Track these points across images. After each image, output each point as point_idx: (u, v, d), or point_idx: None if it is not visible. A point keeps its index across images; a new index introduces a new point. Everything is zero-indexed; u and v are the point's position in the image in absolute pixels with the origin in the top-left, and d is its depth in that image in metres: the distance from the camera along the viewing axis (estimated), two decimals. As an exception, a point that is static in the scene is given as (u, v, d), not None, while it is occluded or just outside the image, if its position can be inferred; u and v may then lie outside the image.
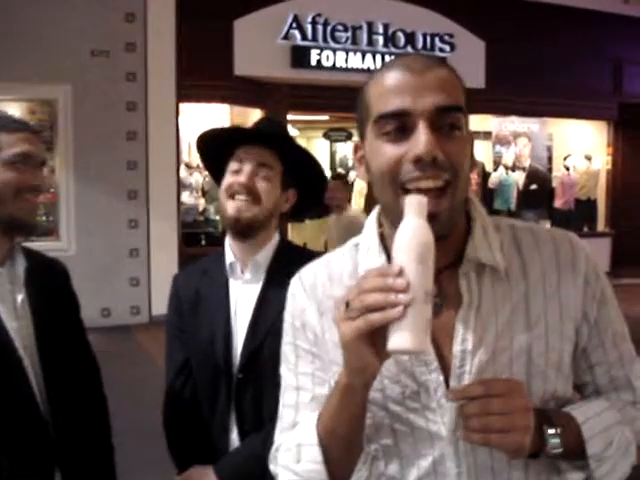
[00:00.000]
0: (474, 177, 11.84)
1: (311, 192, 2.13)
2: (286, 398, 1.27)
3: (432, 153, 1.04)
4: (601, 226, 12.86)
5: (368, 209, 12.01)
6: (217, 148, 2.04)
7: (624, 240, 12.24)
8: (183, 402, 2.06)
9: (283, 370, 1.29)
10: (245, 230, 1.98)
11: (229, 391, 1.96)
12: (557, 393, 1.16)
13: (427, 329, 0.94)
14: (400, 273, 0.93)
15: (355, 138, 13.52)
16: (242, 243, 2.01)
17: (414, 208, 0.98)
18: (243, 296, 2.02)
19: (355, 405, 1.07)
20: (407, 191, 1.06)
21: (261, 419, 1.93)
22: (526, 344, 1.13)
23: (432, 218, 1.01)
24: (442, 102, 1.06)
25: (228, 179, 1.98)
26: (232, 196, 1.96)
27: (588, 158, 12.67)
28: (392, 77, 1.10)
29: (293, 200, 2.08)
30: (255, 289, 2.00)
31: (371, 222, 1.25)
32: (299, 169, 2.05)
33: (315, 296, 1.25)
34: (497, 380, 1.08)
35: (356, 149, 1.21)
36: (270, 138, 2.00)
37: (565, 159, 12.50)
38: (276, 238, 2.07)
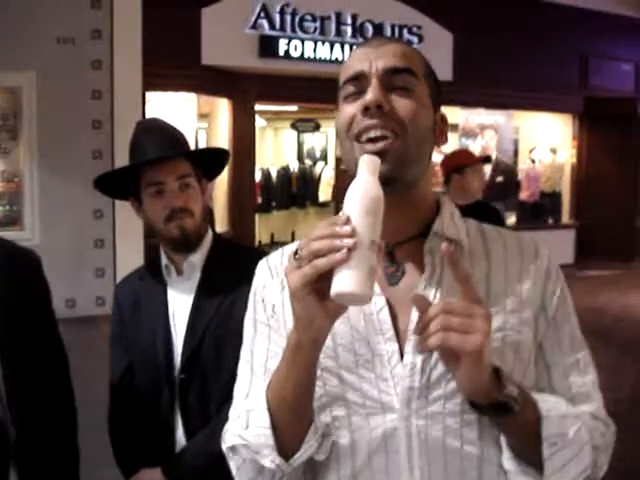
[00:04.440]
0: (439, 169, 11.82)
1: (217, 168, 2.16)
2: (240, 374, 1.26)
3: (378, 101, 1.11)
4: (566, 218, 12.99)
5: (335, 199, 12.01)
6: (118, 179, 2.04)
7: (588, 232, 12.38)
8: (127, 408, 2.05)
9: (242, 348, 1.28)
10: (192, 244, 1.98)
11: (172, 392, 1.95)
12: (514, 378, 1.11)
13: (371, 276, 0.94)
14: (347, 221, 0.95)
15: (323, 129, 13.50)
16: (186, 253, 2.00)
17: (367, 166, 1.01)
18: (180, 297, 2.02)
19: (303, 366, 1.05)
20: (360, 142, 1.13)
21: (207, 416, 1.92)
22: None
23: (382, 155, 1.07)
24: (392, 64, 1.15)
25: (154, 203, 1.94)
26: (169, 219, 1.93)
27: (553, 151, 12.80)
28: (355, 52, 1.21)
29: (207, 189, 2.08)
30: (191, 289, 2.00)
31: None
32: (204, 158, 2.07)
33: (279, 273, 1.26)
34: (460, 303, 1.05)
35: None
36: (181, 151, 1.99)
37: (531, 152, 12.63)
38: (209, 236, 2.06)
